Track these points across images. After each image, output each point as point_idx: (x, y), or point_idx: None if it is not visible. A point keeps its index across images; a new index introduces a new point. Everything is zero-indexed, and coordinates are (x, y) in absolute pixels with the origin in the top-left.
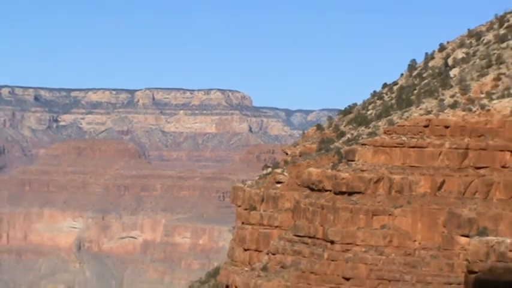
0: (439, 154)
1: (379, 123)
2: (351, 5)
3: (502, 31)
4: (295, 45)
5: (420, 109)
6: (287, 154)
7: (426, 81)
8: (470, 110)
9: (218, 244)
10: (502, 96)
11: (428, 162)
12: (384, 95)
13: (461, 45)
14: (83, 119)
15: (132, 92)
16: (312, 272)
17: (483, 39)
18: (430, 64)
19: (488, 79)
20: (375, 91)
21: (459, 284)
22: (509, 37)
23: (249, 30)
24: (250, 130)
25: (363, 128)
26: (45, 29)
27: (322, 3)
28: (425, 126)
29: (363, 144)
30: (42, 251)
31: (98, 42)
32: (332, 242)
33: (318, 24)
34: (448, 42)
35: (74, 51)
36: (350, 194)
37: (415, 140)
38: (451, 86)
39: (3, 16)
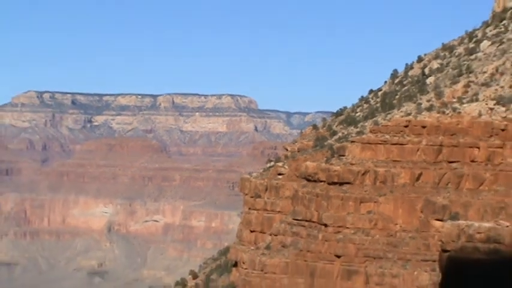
0: (417, 150)
1: (366, 123)
2: (341, 24)
3: (471, 45)
4: (294, 56)
5: (401, 111)
6: (287, 150)
7: (406, 87)
8: (443, 112)
9: (228, 227)
10: (471, 101)
11: (407, 157)
12: (370, 99)
13: (436, 57)
14: (113, 119)
15: (155, 96)
16: (308, 251)
17: (455, 52)
18: (410, 73)
19: (459, 86)
20: (362, 96)
21: (434, 261)
22: (477, 50)
23: (255, 43)
24: (256, 129)
25: (352, 128)
26: (81, 41)
27: (317, 22)
28: (405, 126)
29: (352, 142)
30: (78, 232)
31: (125, 54)
32: (325, 225)
33: (314, 40)
34: (425, 55)
35: (105, 61)
36: (341, 184)
37: (397, 138)
38: (428, 92)
39: (45, 31)
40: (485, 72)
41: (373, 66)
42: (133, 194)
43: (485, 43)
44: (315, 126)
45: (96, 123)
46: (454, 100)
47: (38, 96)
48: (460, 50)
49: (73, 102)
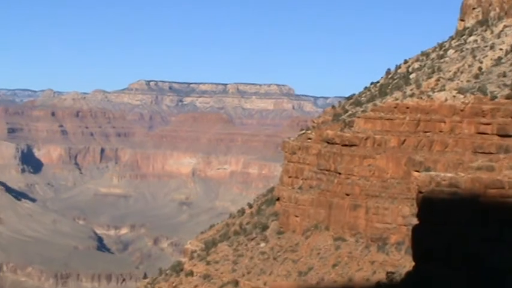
0: (403, 124)
1: (368, 105)
2: (355, 35)
3: (441, 52)
4: (321, 56)
5: (392, 97)
6: (314, 122)
7: (396, 81)
8: (421, 98)
9: (274, 173)
10: (440, 90)
11: (396, 128)
12: (371, 88)
13: (417, 60)
14: (197, 100)
15: (225, 84)
16: (327, 191)
17: (430, 57)
18: (399, 71)
19: (433, 80)
20: (366, 86)
21: (413, 199)
22: (445, 56)
23: (291, 46)
24: (293, 108)
25: (358, 108)
26: (177, 42)
27: (338, 30)
28: (395, 107)
29: (358, 117)
30: (172, 175)
31: (205, 54)
32: (339, 173)
33: (336, 42)
34: (409, 58)
35: (192, 58)
36: (350, 146)
37: (389, 115)
38: (411, 84)
39: (154, 33)
40: (450, 71)
41: (374, 65)
42: (210, 150)
43: (451, 51)
44: (333, 107)
45: (185, 103)
46: (429, 90)
47: (146, 84)
48: (433, 55)
49: (170, 88)
